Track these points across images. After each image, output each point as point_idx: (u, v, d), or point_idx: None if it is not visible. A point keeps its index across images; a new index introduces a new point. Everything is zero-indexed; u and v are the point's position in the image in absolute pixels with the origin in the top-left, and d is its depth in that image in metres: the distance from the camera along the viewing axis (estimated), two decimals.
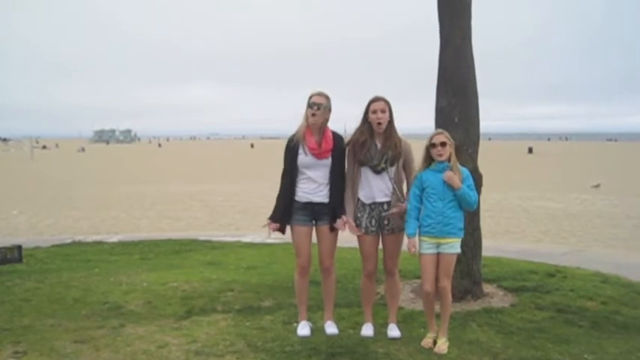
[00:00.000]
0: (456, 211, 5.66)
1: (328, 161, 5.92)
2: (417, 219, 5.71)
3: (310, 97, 5.93)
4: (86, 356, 5.62)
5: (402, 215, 5.84)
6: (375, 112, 5.78)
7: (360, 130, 5.90)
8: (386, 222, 5.87)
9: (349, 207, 5.94)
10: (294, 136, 5.99)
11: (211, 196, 26.13)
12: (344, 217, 5.91)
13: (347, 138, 6.03)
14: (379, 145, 5.82)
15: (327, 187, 5.95)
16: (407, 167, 5.91)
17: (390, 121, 5.84)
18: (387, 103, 5.82)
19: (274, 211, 6.08)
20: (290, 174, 6.00)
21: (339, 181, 5.95)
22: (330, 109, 5.96)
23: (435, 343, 5.71)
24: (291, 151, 5.96)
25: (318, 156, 5.88)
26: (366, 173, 5.85)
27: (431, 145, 5.68)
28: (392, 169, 5.83)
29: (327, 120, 5.97)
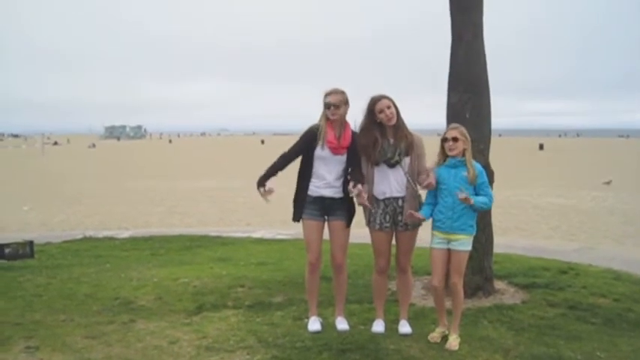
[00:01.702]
0: (467, 208, 5.63)
1: (343, 157, 5.93)
2: (432, 205, 5.70)
3: (325, 97, 5.93)
4: (97, 351, 5.64)
5: (416, 208, 5.81)
6: (381, 111, 5.75)
7: (367, 131, 5.86)
8: (400, 218, 5.85)
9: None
10: (315, 127, 5.98)
11: (221, 192, 26.19)
12: (359, 186, 5.76)
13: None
14: (392, 140, 5.80)
15: (341, 183, 5.95)
16: (419, 162, 5.87)
17: (398, 115, 5.82)
18: (390, 99, 5.80)
19: (261, 176, 6.03)
20: (288, 158, 6.04)
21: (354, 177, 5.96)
22: (347, 103, 5.97)
23: (444, 338, 5.71)
24: (308, 142, 5.97)
25: (334, 151, 5.88)
26: (381, 168, 5.82)
27: (444, 140, 5.68)
28: (406, 161, 5.80)
29: (345, 113, 5.99)
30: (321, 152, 5.91)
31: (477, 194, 5.63)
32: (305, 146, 5.99)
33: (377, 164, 5.81)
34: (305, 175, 6.01)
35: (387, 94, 5.85)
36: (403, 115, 5.88)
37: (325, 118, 5.94)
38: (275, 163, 6.06)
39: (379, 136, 5.81)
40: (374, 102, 5.81)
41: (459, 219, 5.60)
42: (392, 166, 5.77)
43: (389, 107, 5.75)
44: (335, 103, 5.87)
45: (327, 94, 5.93)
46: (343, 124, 5.96)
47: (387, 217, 5.85)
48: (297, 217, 6.10)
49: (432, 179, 5.68)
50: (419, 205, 5.84)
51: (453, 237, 5.62)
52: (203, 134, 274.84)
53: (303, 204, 6.01)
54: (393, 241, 6.00)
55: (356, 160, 5.92)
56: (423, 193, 5.91)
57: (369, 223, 5.97)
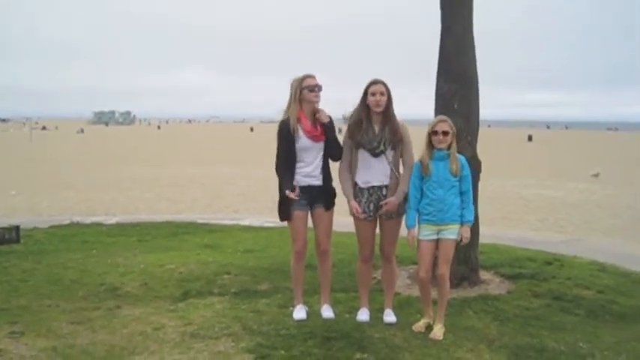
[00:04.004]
0: (457, 198, 5.64)
1: (322, 144, 5.92)
2: (417, 210, 5.69)
3: (303, 80, 5.87)
4: (82, 337, 5.64)
5: (396, 206, 5.82)
6: (374, 94, 5.72)
7: (357, 112, 5.86)
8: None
9: (348, 188, 5.90)
10: (287, 121, 5.91)
11: (210, 179, 26.15)
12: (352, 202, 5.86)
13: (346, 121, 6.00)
14: (377, 128, 5.78)
15: (321, 170, 5.95)
16: (405, 150, 5.86)
17: (389, 105, 5.80)
18: (386, 86, 5.76)
19: (281, 203, 5.99)
20: (287, 162, 5.94)
21: (328, 162, 6.02)
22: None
23: (429, 328, 5.73)
24: (287, 137, 5.89)
25: (315, 138, 5.86)
26: (364, 156, 5.80)
27: (433, 133, 5.64)
28: (390, 153, 5.79)
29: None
30: (302, 143, 5.87)
31: (460, 187, 5.65)
32: (287, 142, 5.91)
33: (358, 147, 5.80)
34: (290, 169, 5.94)
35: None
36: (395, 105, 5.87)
37: (298, 107, 5.89)
38: (281, 177, 5.97)
39: (365, 119, 5.80)
40: (370, 84, 5.79)
41: (449, 210, 5.60)
42: (376, 155, 5.76)
43: (382, 94, 5.72)
44: (318, 85, 5.87)
45: (305, 77, 5.88)
46: (314, 110, 5.94)
47: (371, 206, 5.84)
48: (287, 216, 6.02)
49: (390, 206, 5.76)
50: (404, 195, 5.83)
51: (444, 227, 5.63)
52: (190, 121, 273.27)
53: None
54: (378, 230, 6.01)
55: (331, 145, 5.95)
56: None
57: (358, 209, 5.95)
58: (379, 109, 5.75)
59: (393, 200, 5.74)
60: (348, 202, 5.90)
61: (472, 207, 5.72)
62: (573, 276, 7.89)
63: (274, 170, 6.07)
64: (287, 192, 5.83)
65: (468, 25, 7.43)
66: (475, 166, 6.89)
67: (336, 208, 6.12)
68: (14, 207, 17.69)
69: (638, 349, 5.54)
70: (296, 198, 5.83)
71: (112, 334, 5.73)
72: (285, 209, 5.98)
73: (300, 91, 5.88)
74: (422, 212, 5.70)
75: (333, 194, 6.05)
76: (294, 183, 5.91)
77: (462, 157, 5.71)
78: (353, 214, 5.93)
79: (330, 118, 5.97)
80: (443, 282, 5.69)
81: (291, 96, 5.93)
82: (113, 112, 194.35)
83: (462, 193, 5.66)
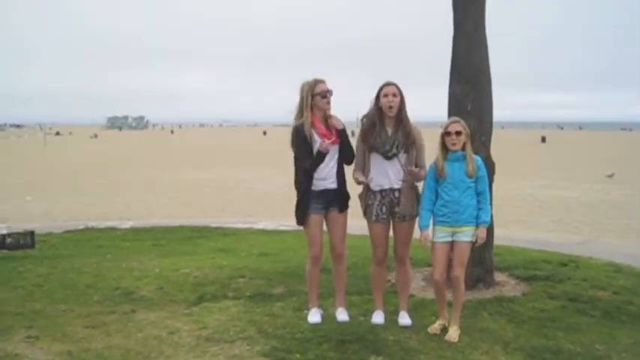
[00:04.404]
0: (472, 199, 5.61)
1: (337, 146, 5.92)
2: (431, 211, 5.69)
3: (315, 86, 5.87)
4: (97, 341, 5.66)
5: (413, 199, 5.83)
6: (386, 95, 5.73)
7: (370, 115, 5.86)
8: (396, 209, 5.84)
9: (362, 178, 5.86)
10: (300, 126, 5.90)
11: (223, 183, 26.17)
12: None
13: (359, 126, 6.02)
14: (390, 131, 5.78)
15: (335, 173, 5.94)
16: (418, 153, 5.86)
17: (402, 108, 5.79)
18: (399, 88, 5.77)
19: (298, 206, 6.01)
20: (305, 165, 5.90)
21: (343, 166, 6.02)
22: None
23: (444, 330, 5.71)
24: (304, 141, 5.87)
25: (332, 142, 5.86)
26: (377, 159, 5.81)
27: (445, 134, 5.63)
28: (403, 156, 5.78)
29: None
30: (320, 147, 5.84)
31: (476, 187, 5.62)
32: (305, 146, 5.89)
33: (372, 150, 5.80)
34: (310, 173, 5.92)
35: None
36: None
37: (310, 112, 5.89)
38: (304, 181, 5.93)
39: (377, 121, 5.79)
40: (383, 85, 5.80)
41: (465, 211, 5.58)
42: (389, 158, 5.76)
43: (395, 95, 5.73)
44: (330, 90, 5.87)
45: (317, 83, 5.88)
46: (326, 115, 5.94)
47: (384, 209, 5.84)
48: (303, 219, 6.02)
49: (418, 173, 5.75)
50: (416, 197, 5.84)
51: (459, 229, 5.61)
52: (202, 125, 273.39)
53: (309, 202, 5.96)
54: (391, 233, 6.00)
55: (344, 147, 5.97)
56: (419, 184, 5.91)
57: (365, 214, 5.97)
58: (391, 113, 5.75)
59: (417, 170, 5.75)
60: (359, 180, 5.86)
61: (488, 207, 5.70)
62: (589, 277, 7.85)
63: (291, 175, 6.06)
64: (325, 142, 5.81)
65: (479, 21, 7.41)
66: (489, 167, 6.87)
67: (349, 211, 6.12)
68: (30, 212, 17.77)
69: None
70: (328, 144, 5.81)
71: (127, 338, 5.75)
72: (302, 213, 5.98)
73: (312, 98, 5.88)
74: (437, 214, 5.68)
75: (347, 197, 6.05)
76: (312, 188, 5.92)
77: (478, 158, 5.69)
78: (365, 213, 5.95)
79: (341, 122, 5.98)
80: (458, 284, 5.67)
81: (302, 100, 5.94)
82: (126, 117, 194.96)
83: (478, 194, 5.64)
